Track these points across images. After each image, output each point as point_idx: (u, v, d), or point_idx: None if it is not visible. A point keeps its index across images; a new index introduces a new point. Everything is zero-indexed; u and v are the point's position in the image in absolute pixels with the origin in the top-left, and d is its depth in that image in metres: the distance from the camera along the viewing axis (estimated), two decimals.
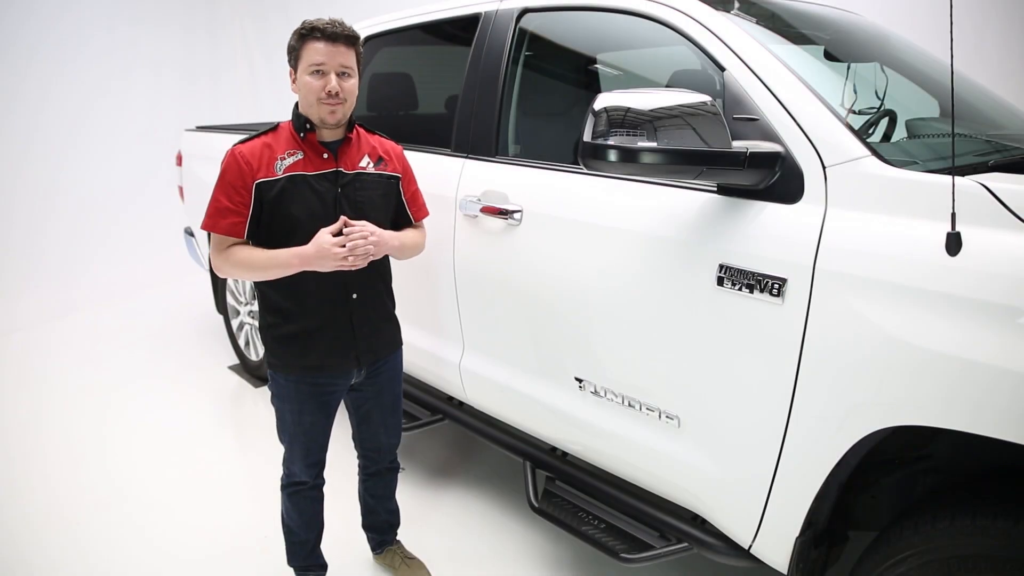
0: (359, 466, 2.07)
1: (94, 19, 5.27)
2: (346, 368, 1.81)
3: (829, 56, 1.91)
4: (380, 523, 2.15)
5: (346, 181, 1.73)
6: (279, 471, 1.92)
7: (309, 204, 1.67)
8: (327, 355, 1.76)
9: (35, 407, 3.43)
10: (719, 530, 1.64)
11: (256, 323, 3.35)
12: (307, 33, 1.64)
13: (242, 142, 1.69)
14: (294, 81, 1.69)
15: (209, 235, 1.70)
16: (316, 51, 1.63)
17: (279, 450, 1.88)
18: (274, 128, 1.72)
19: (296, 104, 1.72)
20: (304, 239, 1.64)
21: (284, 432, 1.84)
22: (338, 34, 1.64)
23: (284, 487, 1.91)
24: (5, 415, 3.36)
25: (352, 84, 1.69)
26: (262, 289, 1.75)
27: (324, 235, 1.62)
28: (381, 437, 2.00)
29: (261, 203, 1.65)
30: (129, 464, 2.86)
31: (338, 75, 1.65)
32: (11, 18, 4.77)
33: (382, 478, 2.08)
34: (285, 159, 1.67)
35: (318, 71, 1.64)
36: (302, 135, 1.69)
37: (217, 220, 1.65)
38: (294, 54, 1.67)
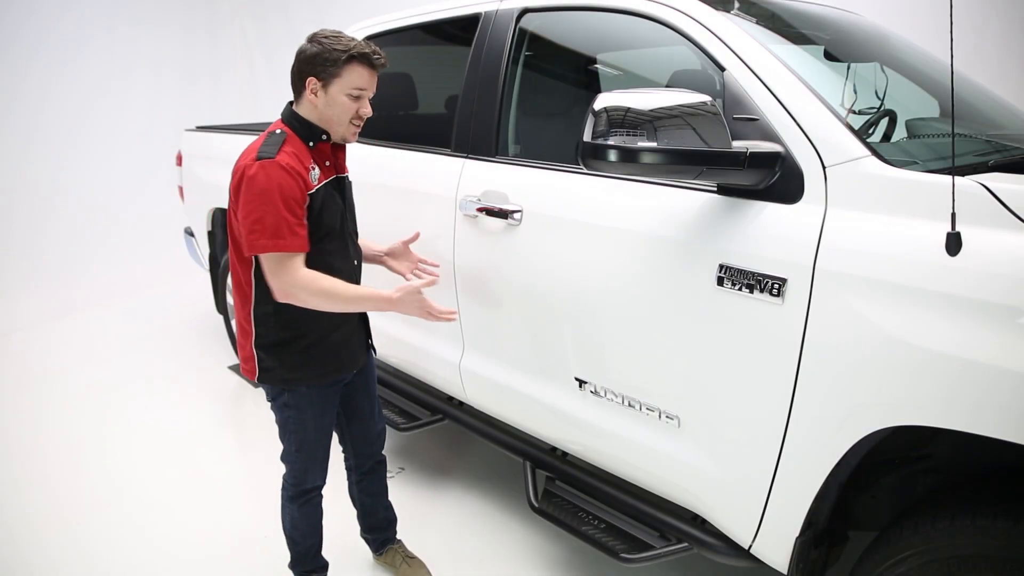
0: (351, 469, 2.07)
1: (94, 19, 5.28)
2: (360, 361, 1.89)
3: (829, 56, 1.91)
4: (379, 522, 2.15)
5: (344, 187, 1.80)
6: (279, 471, 1.92)
7: (334, 210, 1.72)
8: (351, 354, 1.83)
9: (35, 407, 3.43)
10: (719, 530, 1.64)
11: None
12: (357, 57, 1.62)
13: (268, 155, 1.59)
14: (313, 91, 1.64)
15: (255, 258, 1.65)
16: (361, 76, 1.65)
17: (278, 450, 1.88)
18: (284, 139, 1.65)
19: (296, 111, 1.69)
20: (332, 245, 1.71)
21: (305, 442, 1.81)
22: (382, 64, 1.68)
23: (293, 498, 1.89)
24: (5, 415, 3.36)
25: None
26: (278, 307, 1.68)
27: (416, 295, 1.72)
28: (371, 427, 2.02)
29: (307, 214, 1.64)
30: (129, 464, 2.86)
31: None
32: (11, 18, 4.77)
33: (375, 473, 2.09)
34: (314, 169, 1.67)
35: (358, 95, 1.66)
36: (311, 145, 1.69)
37: (290, 239, 1.58)
38: (330, 69, 1.62)
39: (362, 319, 1.90)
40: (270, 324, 1.72)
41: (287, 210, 1.57)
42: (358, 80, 1.65)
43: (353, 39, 1.65)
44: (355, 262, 1.84)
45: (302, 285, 1.60)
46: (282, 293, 1.62)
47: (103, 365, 3.92)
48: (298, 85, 1.68)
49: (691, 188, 1.56)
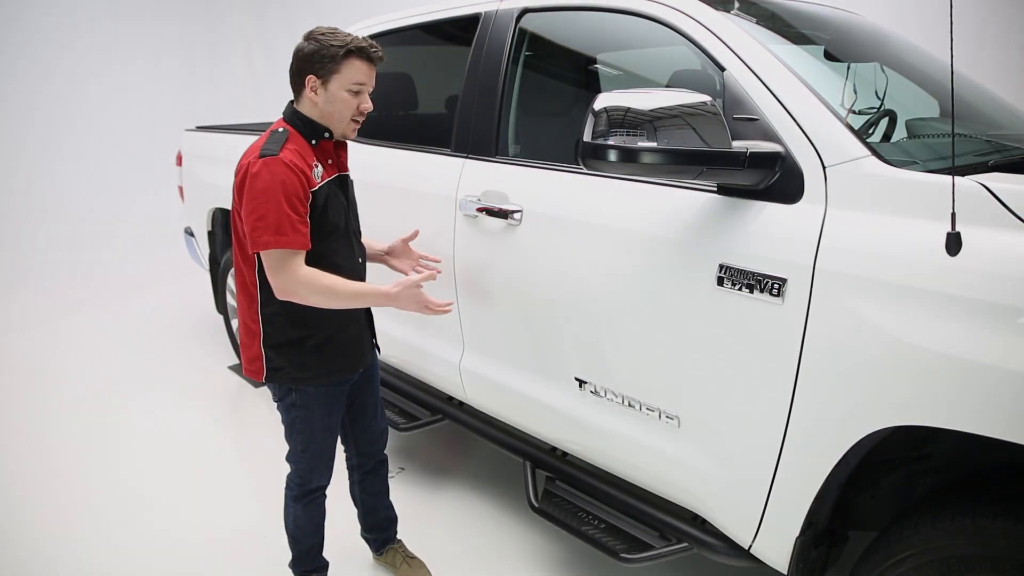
0: (354, 468, 2.07)
1: (94, 19, 5.28)
2: (368, 360, 1.89)
3: (829, 56, 1.91)
4: (380, 521, 2.15)
5: (347, 185, 1.81)
6: (280, 471, 1.92)
7: (338, 209, 1.73)
8: (359, 353, 1.83)
9: (35, 407, 3.43)
10: (719, 530, 1.64)
11: None
12: (354, 51, 1.63)
13: (271, 153, 1.59)
14: (313, 89, 1.65)
15: (253, 254, 1.64)
16: (359, 70, 1.65)
17: (279, 449, 1.88)
18: (287, 136, 1.65)
19: (297, 110, 1.69)
20: (337, 243, 1.71)
21: (312, 442, 1.81)
22: (380, 58, 1.68)
23: (298, 497, 1.89)
24: (5, 415, 3.36)
25: None
26: (285, 306, 1.68)
27: (414, 288, 1.72)
28: (374, 426, 2.03)
29: (311, 211, 1.64)
30: (129, 464, 2.86)
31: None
32: (11, 18, 4.77)
33: (377, 473, 2.09)
34: (317, 167, 1.68)
35: (358, 91, 1.66)
36: (314, 143, 1.69)
37: (292, 236, 1.57)
38: (328, 65, 1.62)
39: (368, 318, 1.90)
40: (279, 323, 1.71)
41: (289, 207, 1.57)
42: (357, 75, 1.65)
43: (349, 34, 1.66)
44: (360, 260, 1.85)
45: (303, 282, 1.60)
46: (282, 291, 1.62)
47: (103, 365, 3.92)
48: (297, 83, 1.68)
49: (691, 188, 1.56)
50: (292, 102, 1.72)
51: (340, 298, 1.65)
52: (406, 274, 2.00)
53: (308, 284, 1.60)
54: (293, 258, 1.59)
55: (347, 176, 1.82)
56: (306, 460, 1.84)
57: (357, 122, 1.72)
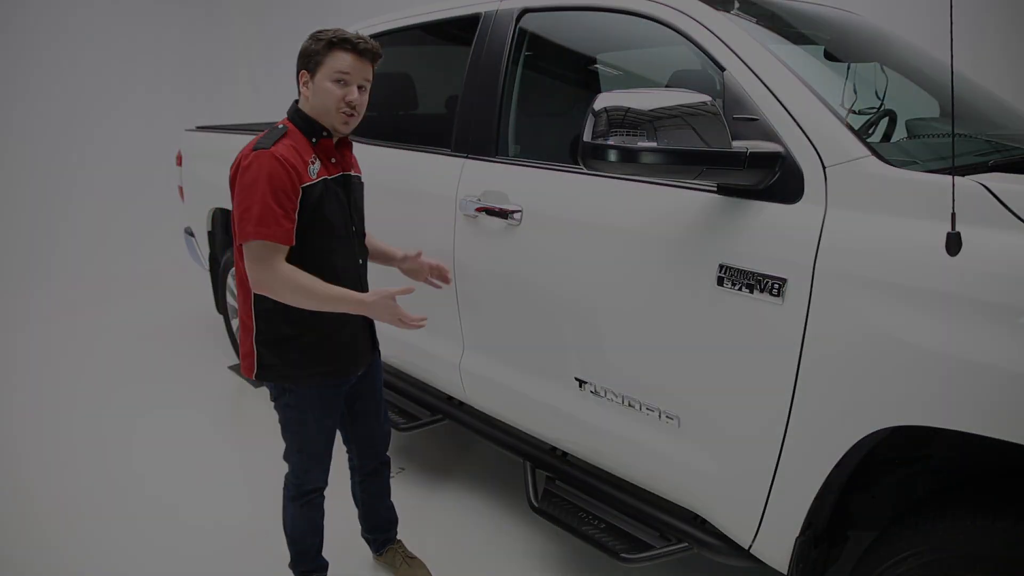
0: (355, 469, 2.07)
1: (95, 19, 5.29)
2: (364, 363, 1.87)
3: (829, 56, 1.91)
4: (381, 522, 2.15)
5: (351, 185, 1.79)
6: (279, 470, 1.92)
7: (336, 208, 1.71)
8: (352, 356, 1.81)
9: (34, 407, 3.43)
10: (719, 530, 1.64)
11: None
12: (337, 43, 1.63)
13: (264, 146, 1.60)
14: (304, 83, 1.67)
15: (240, 247, 1.62)
16: (343, 61, 1.64)
17: (279, 449, 1.88)
18: (285, 132, 1.66)
19: (298, 108, 1.71)
20: (335, 243, 1.71)
21: (306, 443, 1.81)
22: (367, 50, 1.67)
23: (294, 498, 1.89)
24: (4, 415, 3.36)
25: (366, 98, 1.72)
26: (279, 303, 1.66)
27: (389, 300, 1.64)
28: (376, 429, 2.02)
29: (302, 207, 1.63)
30: (129, 464, 2.85)
31: (358, 87, 1.68)
32: (12, 18, 4.77)
33: (379, 474, 2.09)
34: (314, 163, 1.67)
35: (342, 80, 1.65)
36: (314, 140, 1.69)
37: (273, 228, 1.56)
38: (315, 59, 1.64)
39: (367, 320, 1.88)
40: (272, 320, 1.71)
41: (274, 200, 1.56)
42: (340, 64, 1.64)
43: (341, 30, 1.66)
44: (360, 261, 1.84)
45: (281, 278, 1.59)
46: (258, 284, 1.61)
47: (103, 365, 3.92)
48: (296, 82, 1.70)
49: (691, 188, 1.56)
50: (296, 101, 1.74)
51: (314, 300, 1.62)
52: (419, 280, 1.99)
53: (285, 281, 1.59)
54: (274, 253, 1.58)
55: (352, 176, 1.80)
56: (301, 461, 1.84)
57: (346, 115, 1.67)
